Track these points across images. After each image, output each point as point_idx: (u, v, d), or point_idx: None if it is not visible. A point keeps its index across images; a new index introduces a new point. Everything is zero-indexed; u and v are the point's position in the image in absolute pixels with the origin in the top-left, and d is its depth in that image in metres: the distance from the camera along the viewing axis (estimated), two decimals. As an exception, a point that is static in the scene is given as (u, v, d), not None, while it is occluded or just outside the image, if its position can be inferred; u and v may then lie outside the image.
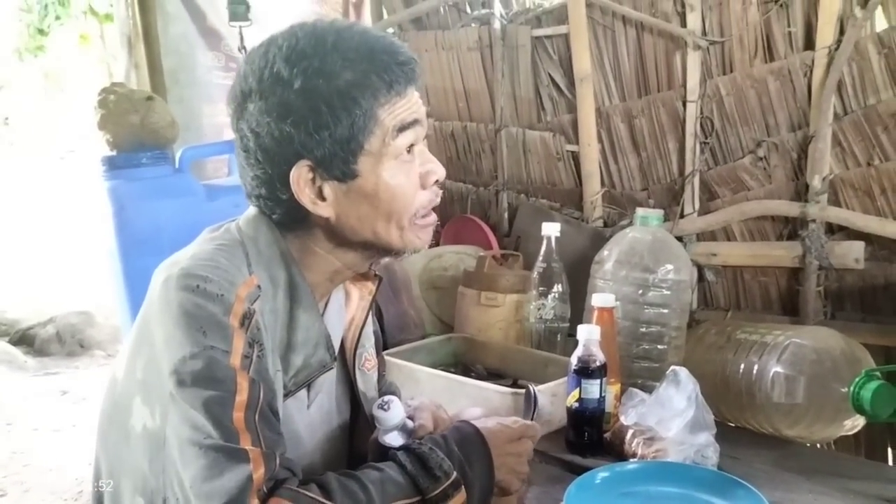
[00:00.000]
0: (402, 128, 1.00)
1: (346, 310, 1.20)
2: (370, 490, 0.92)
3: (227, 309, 0.92)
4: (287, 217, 1.03)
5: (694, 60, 1.98)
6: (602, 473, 1.27)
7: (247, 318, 0.93)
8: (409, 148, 1.02)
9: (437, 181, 1.06)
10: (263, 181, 1.00)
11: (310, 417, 1.10)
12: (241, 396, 0.89)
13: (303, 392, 1.08)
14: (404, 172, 1.02)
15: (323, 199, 1.00)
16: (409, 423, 1.07)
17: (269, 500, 0.86)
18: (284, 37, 0.98)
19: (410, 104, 1.01)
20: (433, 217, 1.08)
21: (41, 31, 9.20)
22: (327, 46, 0.96)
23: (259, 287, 0.97)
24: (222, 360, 0.89)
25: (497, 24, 2.34)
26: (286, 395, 1.03)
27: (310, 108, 0.95)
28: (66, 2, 8.76)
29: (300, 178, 0.98)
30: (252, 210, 1.06)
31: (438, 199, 1.08)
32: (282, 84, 0.95)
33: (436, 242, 2.46)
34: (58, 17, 8.91)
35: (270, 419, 0.93)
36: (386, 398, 1.05)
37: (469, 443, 1.03)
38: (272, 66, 0.95)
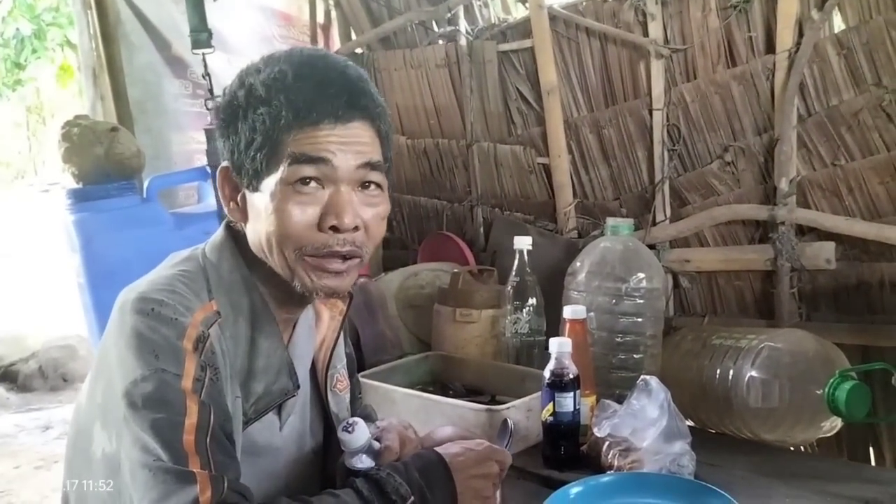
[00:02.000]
0: (299, 159, 0.96)
1: (317, 330, 1.19)
2: None
3: (180, 332, 0.92)
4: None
5: (658, 69, 1.99)
6: (576, 488, 1.25)
7: (200, 342, 0.93)
8: (308, 181, 0.97)
9: (333, 227, 0.98)
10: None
11: (283, 439, 1.09)
12: (192, 419, 0.89)
13: (272, 415, 1.06)
14: (296, 203, 0.97)
15: (237, 203, 1.03)
16: (376, 445, 1.06)
17: None
18: (259, 56, 1.02)
19: (324, 139, 0.96)
20: (336, 264, 1.00)
21: (18, 66, 9.18)
22: (270, 63, 0.98)
23: (218, 313, 0.97)
24: (173, 382, 0.89)
25: (463, 41, 2.35)
26: (249, 422, 1.02)
27: (230, 114, 1.00)
28: (42, 34, 8.75)
29: (221, 179, 1.04)
30: (218, 235, 1.07)
31: (343, 249, 0.99)
32: (228, 91, 1.01)
33: (413, 261, 2.45)
34: (34, 51, 8.89)
35: (223, 442, 0.92)
36: (350, 420, 1.04)
37: (430, 468, 1.02)
38: (232, 82, 1.01)
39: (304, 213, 0.97)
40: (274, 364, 1.04)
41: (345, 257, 1.00)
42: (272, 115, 0.96)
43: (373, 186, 1.02)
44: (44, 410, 4.39)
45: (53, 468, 3.59)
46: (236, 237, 1.05)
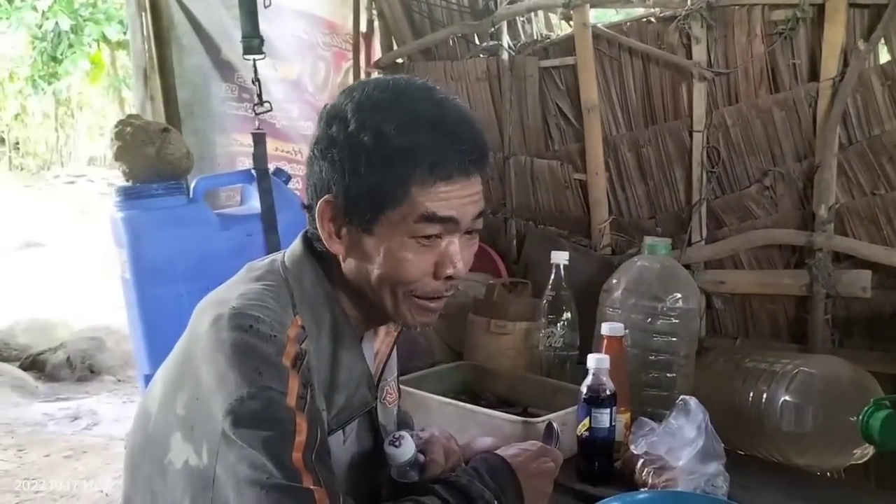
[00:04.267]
0: (430, 218, 0.97)
1: (374, 343, 1.20)
2: None
3: (280, 350, 0.93)
4: (324, 249, 1.04)
5: (700, 91, 2.01)
6: (612, 503, 1.27)
7: (299, 359, 0.94)
8: (431, 237, 0.98)
9: (450, 277, 1.01)
10: (310, 196, 1.04)
11: (346, 453, 1.11)
12: (301, 437, 0.89)
13: (340, 429, 1.08)
14: (415, 253, 0.99)
15: (339, 237, 1.01)
16: (421, 458, 1.08)
17: None
18: (376, 84, 1.00)
19: (453, 195, 0.97)
20: (438, 304, 1.04)
21: (55, 59, 9.33)
22: (399, 106, 0.96)
23: (303, 328, 0.98)
24: (280, 400, 0.90)
25: (505, 55, 2.38)
26: (330, 433, 1.03)
27: (351, 154, 0.96)
28: (79, 29, 8.89)
29: (324, 210, 1.00)
30: (297, 247, 1.08)
31: (450, 293, 1.04)
32: (340, 124, 0.97)
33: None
34: (70, 46, 9.04)
35: (325, 459, 0.93)
36: (397, 434, 1.06)
37: (499, 472, 1.05)
38: (345, 105, 0.98)
39: (421, 262, 0.99)
40: (355, 376, 1.06)
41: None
42: (406, 167, 0.95)
43: (475, 231, 1.04)
44: (72, 400, 4.44)
45: (83, 458, 3.65)
46: (315, 250, 1.06)
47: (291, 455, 0.88)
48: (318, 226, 1.01)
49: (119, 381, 4.80)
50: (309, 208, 1.05)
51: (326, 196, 0.99)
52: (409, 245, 0.98)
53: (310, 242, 1.07)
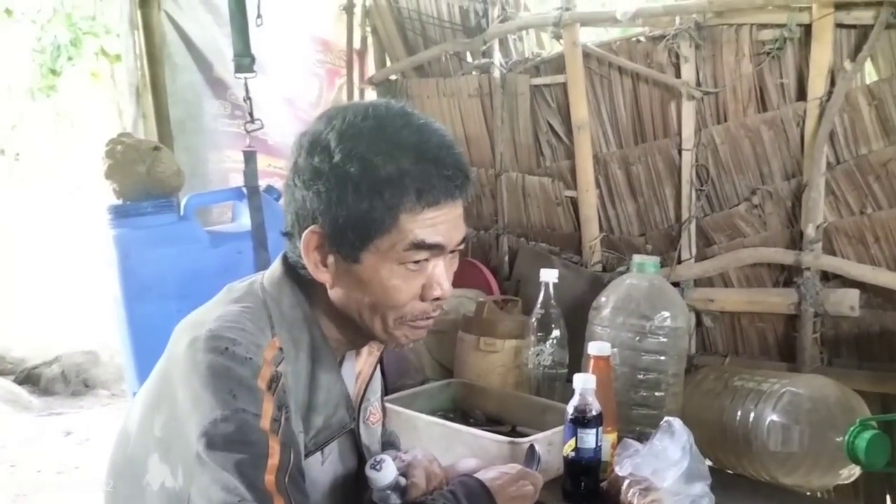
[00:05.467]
0: (419, 245, 0.99)
1: (356, 364, 1.21)
2: None
3: (255, 372, 0.93)
4: (307, 274, 1.04)
5: (689, 110, 2.02)
6: (597, 525, 1.27)
7: (274, 382, 0.95)
8: (419, 262, 1.01)
9: (437, 298, 1.04)
10: (290, 225, 1.04)
11: (324, 474, 1.11)
12: (273, 460, 0.90)
13: (318, 451, 1.09)
14: (403, 279, 1.01)
15: (325, 266, 1.02)
16: (402, 481, 1.08)
17: None
18: (356, 110, 1.00)
19: (439, 220, 0.99)
20: (427, 323, 1.07)
21: (53, 72, 9.34)
22: (383, 135, 0.97)
23: (281, 350, 0.99)
24: (253, 423, 0.90)
25: (497, 73, 2.39)
26: (307, 455, 1.04)
27: (338, 184, 0.96)
28: (78, 42, 8.92)
29: (309, 241, 1.01)
30: (277, 269, 1.08)
31: (437, 313, 1.06)
32: (324, 153, 0.97)
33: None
34: (70, 58, 9.05)
35: (299, 482, 0.94)
36: (378, 457, 1.07)
37: (476, 496, 1.05)
38: (327, 134, 0.98)
39: (410, 288, 1.01)
40: (333, 397, 1.06)
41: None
42: (395, 195, 0.96)
43: (457, 251, 1.06)
44: (65, 415, 4.44)
45: (74, 474, 3.64)
46: (294, 272, 1.07)
47: (264, 477, 0.89)
48: (303, 255, 1.01)
49: (113, 395, 4.79)
50: (289, 235, 1.05)
51: (312, 226, 1.00)
52: (398, 272, 1.00)
53: (289, 265, 1.08)
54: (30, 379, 4.96)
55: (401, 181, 0.96)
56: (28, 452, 3.89)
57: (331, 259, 1.01)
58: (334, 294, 1.04)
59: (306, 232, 1.00)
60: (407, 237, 0.98)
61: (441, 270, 1.02)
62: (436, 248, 1.00)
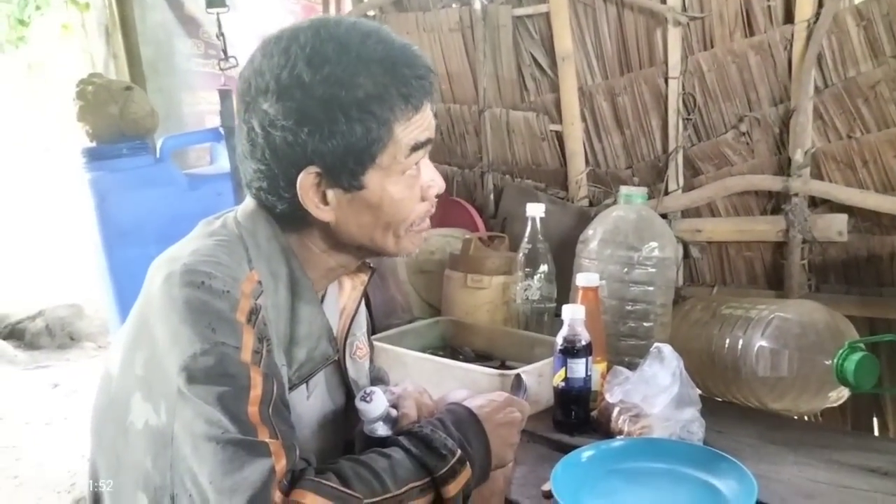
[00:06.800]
0: (416, 147, 1.00)
1: (339, 299, 1.20)
2: (383, 477, 0.92)
3: (233, 305, 0.91)
4: (287, 213, 1.02)
5: (675, 37, 1.98)
6: (588, 451, 1.28)
7: (253, 314, 0.93)
8: (417, 165, 1.03)
9: (437, 196, 1.08)
10: (266, 176, 0.99)
11: (310, 408, 1.10)
12: (256, 391, 0.88)
13: (303, 384, 1.07)
14: (409, 186, 1.03)
15: (326, 203, 1.00)
16: (393, 413, 1.07)
17: (291, 491, 0.86)
18: (307, 36, 0.95)
19: (425, 120, 1.00)
20: (427, 223, 1.09)
21: (22, 22, 9.08)
22: (351, 54, 0.94)
23: (260, 283, 0.97)
24: (234, 355, 0.89)
25: (478, 5, 2.32)
26: (292, 388, 1.03)
27: (327, 116, 0.94)
28: (45, -9, 8.66)
29: (306, 182, 0.98)
30: (250, 203, 1.06)
31: (434, 209, 1.09)
32: (302, 88, 0.93)
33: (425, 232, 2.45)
34: (38, 8, 8.79)
35: (283, 413, 0.93)
36: (368, 389, 1.05)
37: (464, 422, 1.04)
38: (293, 67, 0.93)
39: (414, 194, 1.04)
40: (315, 330, 1.05)
41: None
42: (385, 109, 0.96)
43: None
44: (52, 368, 4.43)
45: (63, 425, 3.64)
46: (267, 206, 1.04)
47: (247, 409, 0.87)
48: (302, 200, 0.98)
49: (99, 347, 4.78)
50: (259, 189, 1.01)
51: (307, 167, 0.97)
52: (403, 182, 1.01)
53: (262, 205, 1.04)
54: (14, 334, 4.93)
55: (387, 93, 0.95)
56: (15, 405, 3.88)
57: (331, 195, 0.99)
58: (338, 229, 1.03)
59: (301, 175, 0.97)
60: (406, 144, 0.99)
61: (429, 166, 1.06)
62: (428, 144, 1.02)
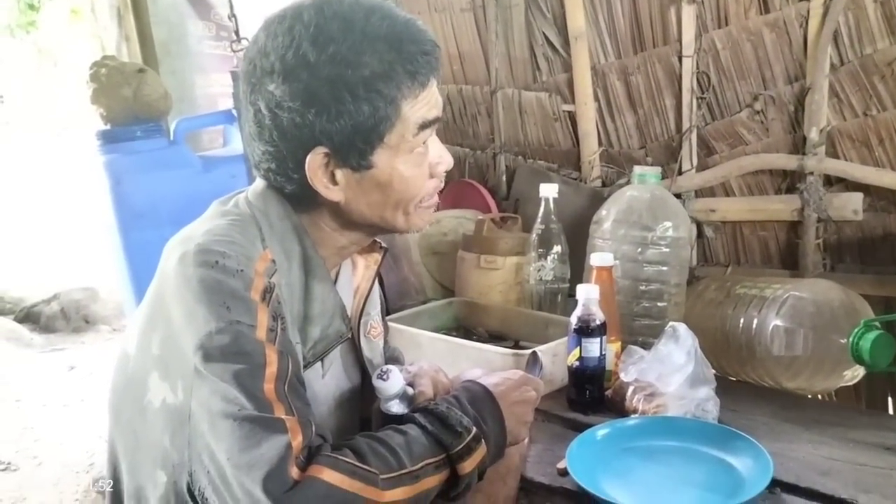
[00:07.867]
0: (424, 125, 1.00)
1: (353, 279, 1.20)
2: (399, 453, 0.93)
3: (247, 284, 0.92)
4: (296, 193, 1.03)
5: (689, 14, 1.96)
6: (603, 430, 1.28)
7: (267, 293, 0.93)
8: (425, 143, 1.03)
9: (445, 171, 1.08)
10: (275, 157, 1.00)
11: (326, 387, 1.11)
12: (271, 368, 0.89)
13: (318, 362, 1.09)
14: (418, 164, 1.03)
15: (335, 183, 1.01)
16: (409, 391, 1.08)
17: (308, 467, 0.86)
18: (311, 14, 0.95)
19: (432, 97, 1.01)
20: (436, 199, 1.10)
21: (31, 7, 9.10)
22: (356, 31, 0.94)
23: (273, 262, 0.98)
24: (249, 333, 0.89)
25: (489, -16, 2.31)
26: (307, 366, 1.04)
27: (334, 96, 0.94)
28: (54, -25, 8.65)
29: (315, 163, 0.98)
30: (260, 183, 1.06)
31: (442, 184, 1.10)
32: (308, 69, 0.93)
33: (435, 208, 2.46)
34: (47, -8, 8.80)
35: (299, 389, 0.93)
36: (384, 367, 1.06)
37: (479, 400, 1.05)
38: (298, 48, 0.93)
39: (422, 171, 1.05)
40: (328, 308, 1.06)
41: None
42: (392, 87, 0.96)
43: None
44: (67, 351, 4.47)
45: (80, 406, 3.68)
46: (277, 186, 1.04)
47: (263, 386, 0.88)
48: (312, 182, 0.99)
49: (114, 330, 4.82)
50: (268, 171, 1.02)
51: (315, 148, 0.97)
52: (412, 160, 1.02)
53: (272, 185, 1.05)
54: (30, 317, 4.98)
55: (393, 71, 0.96)
56: (32, 387, 3.93)
57: (339, 175, 1.00)
58: (348, 208, 1.03)
59: (310, 156, 0.97)
60: (414, 122, 0.99)
61: (437, 142, 1.06)
62: (436, 122, 1.03)
